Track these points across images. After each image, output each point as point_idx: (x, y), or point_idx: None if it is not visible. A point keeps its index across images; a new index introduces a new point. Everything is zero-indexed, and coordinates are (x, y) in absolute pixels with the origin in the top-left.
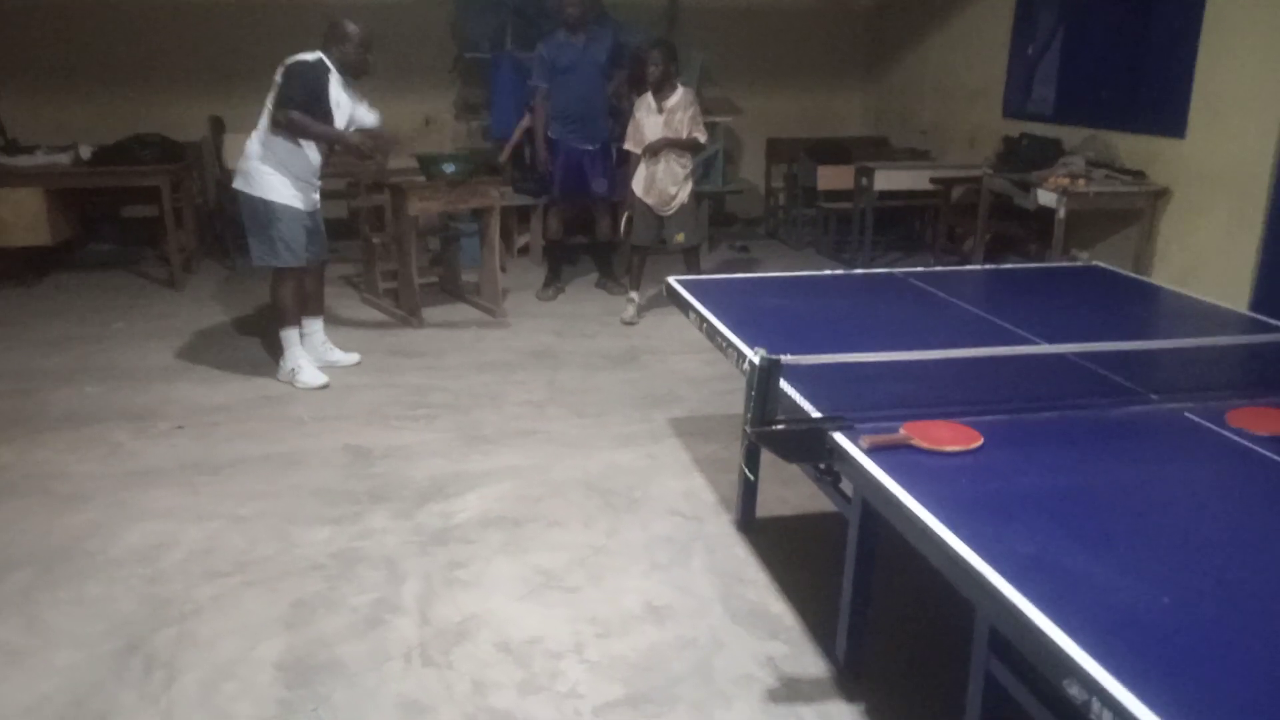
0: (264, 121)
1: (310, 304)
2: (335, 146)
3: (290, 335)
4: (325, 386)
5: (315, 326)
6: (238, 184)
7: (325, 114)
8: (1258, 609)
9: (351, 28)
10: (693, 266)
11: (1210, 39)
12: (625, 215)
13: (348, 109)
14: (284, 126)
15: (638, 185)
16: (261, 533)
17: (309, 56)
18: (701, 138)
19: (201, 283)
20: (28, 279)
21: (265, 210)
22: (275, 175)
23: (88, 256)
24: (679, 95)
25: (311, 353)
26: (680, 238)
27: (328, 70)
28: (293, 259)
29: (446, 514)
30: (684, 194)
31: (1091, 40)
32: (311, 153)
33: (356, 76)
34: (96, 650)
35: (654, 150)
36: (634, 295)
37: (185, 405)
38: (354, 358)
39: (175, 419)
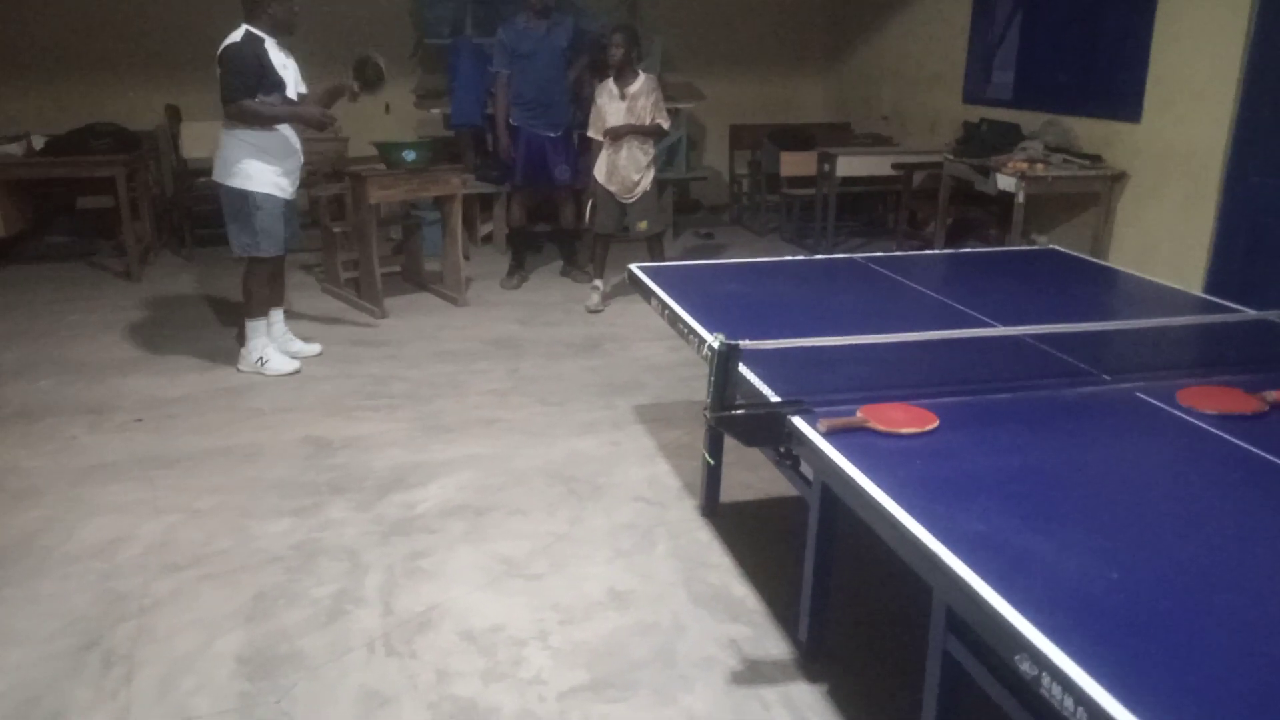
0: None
1: (272, 294)
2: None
3: (258, 325)
4: (297, 372)
5: (276, 316)
6: (216, 175)
7: (276, 85)
8: (1203, 583)
9: None
10: (656, 254)
11: (1164, 24)
12: (589, 203)
13: (294, 69)
14: (238, 119)
15: (600, 172)
16: (220, 526)
17: (235, 36)
18: (665, 124)
19: (159, 274)
20: None
21: (245, 201)
22: (254, 163)
23: (42, 249)
24: (641, 81)
25: (276, 341)
26: (643, 225)
27: (260, 40)
28: (273, 248)
29: (408, 504)
30: (646, 181)
31: (1048, 26)
32: (287, 132)
33: (290, 33)
34: (51, 647)
35: (616, 136)
36: (598, 283)
37: (142, 398)
38: (315, 348)
39: (132, 412)
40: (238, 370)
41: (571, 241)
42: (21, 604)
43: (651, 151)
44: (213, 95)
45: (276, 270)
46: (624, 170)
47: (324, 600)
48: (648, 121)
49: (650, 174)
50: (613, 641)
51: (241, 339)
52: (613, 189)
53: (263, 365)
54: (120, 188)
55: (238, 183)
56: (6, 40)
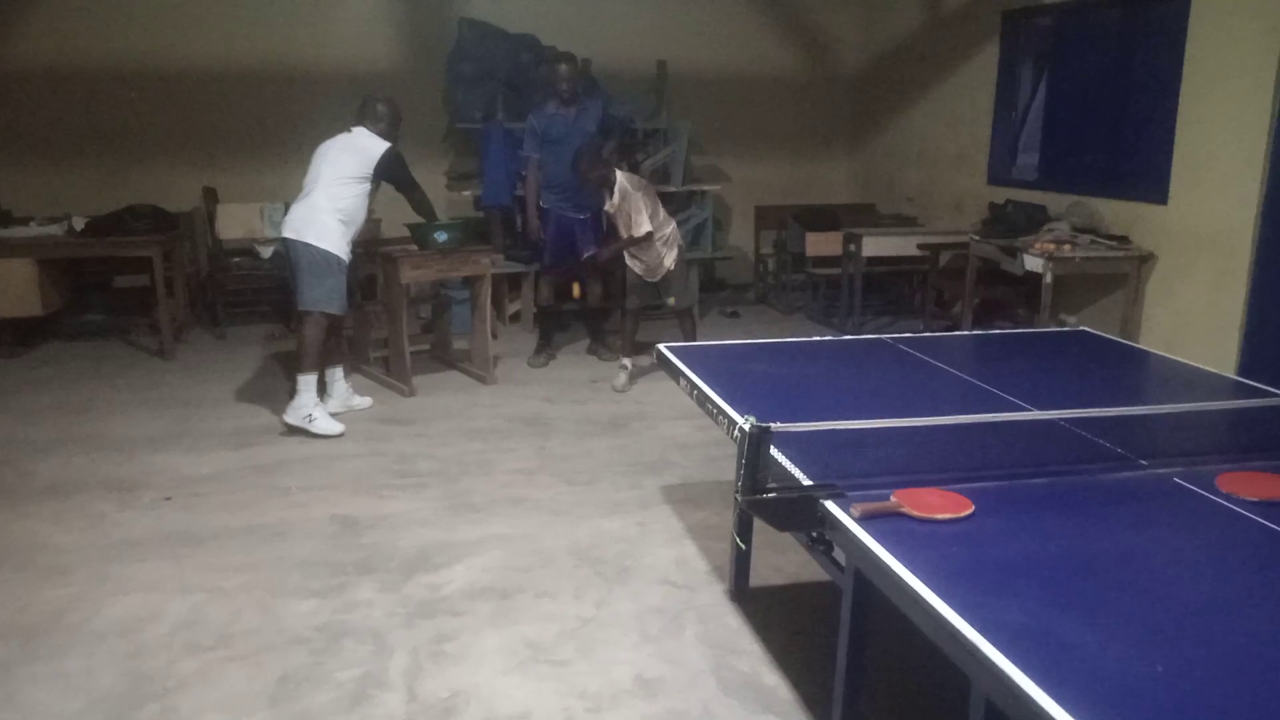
0: (337, 185)
1: (334, 353)
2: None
3: (310, 379)
4: (341, 435)
5: (338, 374)
6: (303, 236)
7: None
8: (1251, 674)
9: (391, 108)
10: (688, 329)
11: (1188, 106)
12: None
13: None
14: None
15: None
16: (246, 605)
17: (381, 141)
18: (637, 233)
19: (191, 352)
20: (17, 349)
21: (329, 263)
22: (346, 231)
23: (78, 326)
24: (617, 193)
25: (337, 398)
26: (671, 301)
27: None
28: (340, 307)
29: (434, 585)
30: (669, 260)
31: (1073, 108)
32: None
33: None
34: None
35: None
36: (626, 362)
37: (172, 475)
38: (368, 401)
39: (161, 489)
40: (283, 421)
41: (599, 320)
42: (47, 681)
43: (667, 236)
44: (250, 177)
45: (336, 327)
46: (647, 254)
47: (348, 684)
48: (627, 234)
49: (673, 254)
50: None
51: (265, 416)
52: (639, 271)
53: (310, 422)
54: (156, 267)
55: (327, 245)
56: (50, 125)
